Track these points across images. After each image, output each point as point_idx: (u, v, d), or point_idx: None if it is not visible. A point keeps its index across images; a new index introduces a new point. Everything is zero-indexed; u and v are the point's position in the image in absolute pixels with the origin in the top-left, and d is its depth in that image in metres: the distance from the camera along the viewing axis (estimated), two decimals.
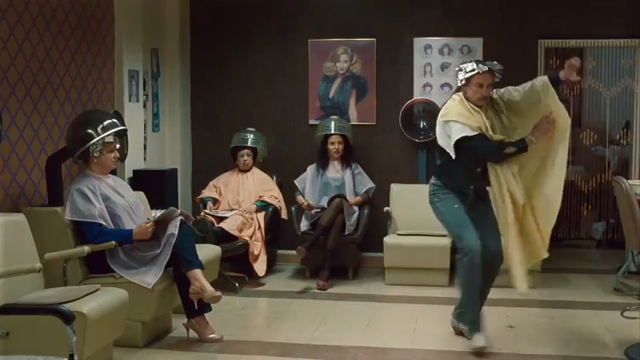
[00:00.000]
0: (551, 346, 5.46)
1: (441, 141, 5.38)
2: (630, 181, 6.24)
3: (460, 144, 5.20)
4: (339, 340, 5.60)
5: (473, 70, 5.27)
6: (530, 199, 5.27)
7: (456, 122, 5.24)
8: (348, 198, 7.67)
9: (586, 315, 5.95)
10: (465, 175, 5.40)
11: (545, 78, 5.22)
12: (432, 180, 5.55)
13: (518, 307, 5.70)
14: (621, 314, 5.81)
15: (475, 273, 5.27)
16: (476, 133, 5.18)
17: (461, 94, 5.37)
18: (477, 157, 5.31)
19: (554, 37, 8.13)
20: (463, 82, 5.32)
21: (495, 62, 5.38)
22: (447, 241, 7.37)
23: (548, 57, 8.54)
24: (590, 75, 8.91)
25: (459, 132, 5.20)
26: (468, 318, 5.43)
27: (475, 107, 5.27)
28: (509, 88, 5.36)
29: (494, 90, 5.38)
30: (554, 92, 5.14)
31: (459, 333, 5.56)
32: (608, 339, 5.64)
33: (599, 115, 9.46)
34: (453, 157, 5.25)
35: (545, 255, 5.31)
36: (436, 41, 8.18)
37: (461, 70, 5.36)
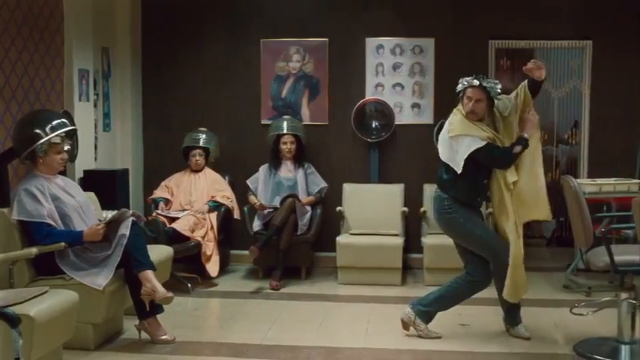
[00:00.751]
0: (503, 343, 5.52)
1: (445, 156, 5.48)
2: (579, 180, 6.33)
3: (473, 156, 5.31)
4: (292, 340, 5.60)
5: (465, 83, 5.46)
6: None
7: (465, 136, 5.35)
8: (300, 198, 7.67)
9: (536, 312, 6.02)
10: (473, 188, 5.50)
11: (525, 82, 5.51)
12: (440, 194, 5.59)
13: (470, 305, 5.75)
14: (570, 311, 5.88)
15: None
16: (485, 142, 5.31)
17: (457, 110, 5.51)
18: (484, 168, 5.42)
19: (504, 38, 8.21)
20: (460, 94, 5.48)
21: (494, 81, 5.50)
22: (399, 241, 7.43)
23: (498, 57, 8.64)
24: None
25: (471, 145, 5.32)
26: (429, 317, 5.59)
27: (475, 122, 5.41)
28: (503, 96, 5.55)
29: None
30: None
31: (407, 327, 5.64)
32: (557, 335, 5.73)
33: (548, 115, 9.58)
34: (459, 172, 5.36)
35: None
36: (388, 41, 8.22)
37: (460, 82, 5.53)
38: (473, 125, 5.38)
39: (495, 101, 5.48)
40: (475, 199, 5.53)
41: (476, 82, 5.41)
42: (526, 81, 5.52)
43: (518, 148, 5.34)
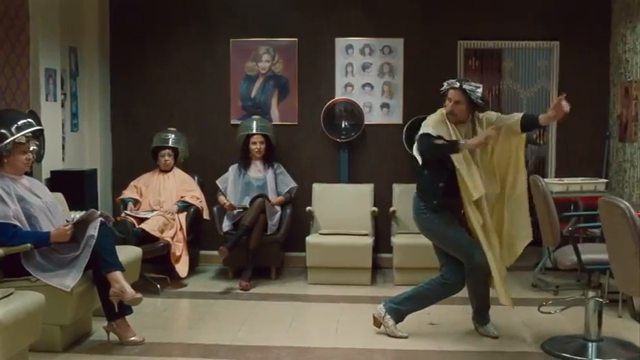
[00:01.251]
0: (471, 342, 5.55)
1: (414, 150, 5.54)
2: (546, 180, 6.39)
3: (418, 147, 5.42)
4: (262, 340, 5.59)
5: (448, 84, 5.49)
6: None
7: (428, 127, 5.39)
8: (270, 198, 7.66)
9: (505, 311, 6.06)
10: (429, 189, 5.51)
11: (519, 121, 5.49)
12: (416, 194, 5.63)
13: (439, 304, 5.77)
14: (538, 309, 5.93)
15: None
16: (436, 134, 5.33)
17: (443, 108, 5.53)
18: (441, 170, 5.41)
19: (473, 39, 8.26)
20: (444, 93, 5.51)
21: (476, 85, 5.50)
22: (369, 240, 7.44)
23: (467, 58, 8.69)
24: (507, 76, 9.08)
25: (423, 129, 5.39)
26: (399, 316, 5.61)
27: (455, 125, 5.43)
28: (491, 112, 5.63)
29: (480, 114, 5.57)
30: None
31: (378, 324, 5.66)
32: (526, 334, 5.77)
33: None
34: (420, 162, 5.41)
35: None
36: (357, 41, 8.23)
37: (445, 83, 5.56)
38: (445, 125, 5.40)
39: (477, 106, 5.50)
40: (431, 200, 5.51)
41: (456, 84, 5.43)
42: (521, 115, 5.52)
43: (440, 141, 5.32)
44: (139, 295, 5.29)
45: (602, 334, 5.25)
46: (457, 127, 5.45)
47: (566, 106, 5.22)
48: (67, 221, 5.39)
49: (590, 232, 7.10)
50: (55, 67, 7.17)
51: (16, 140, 5.20)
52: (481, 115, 5.57)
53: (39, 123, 5.70)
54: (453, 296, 5.68)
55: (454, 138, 5.36)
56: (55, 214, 5.42)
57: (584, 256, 5.13)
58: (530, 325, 5.94)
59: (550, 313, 5.87)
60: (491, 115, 5.62)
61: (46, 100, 6.99)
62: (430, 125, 5.40)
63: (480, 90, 5.48)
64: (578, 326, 5.48)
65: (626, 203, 3.99)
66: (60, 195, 6.02)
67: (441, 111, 5.51)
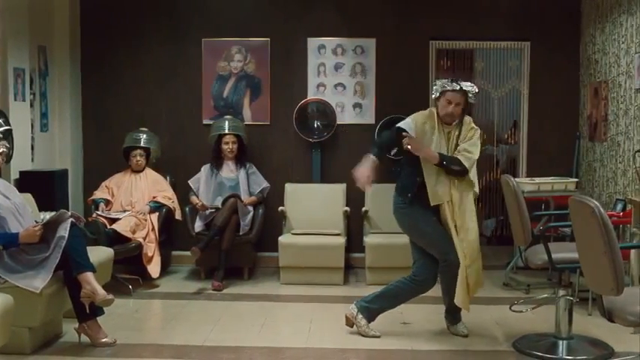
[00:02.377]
0: (444, 341, 5.57)
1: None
2: (517, 179, 6.42)
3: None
4: (234, 340, 5.57)
5: (445, 86, 5.45)
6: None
7: (406, 121, 5.49)
8: (242, 198, 7.64)
9: (477, 309, 6.08)
10: (406, 184, 5.54)
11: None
12: (395, 191, 5.66)
13: (411, 303, 5.78)
14: (510, 308, 5.96)
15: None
16: (408, 130, 5.39)
17: (434, 108, 5.54)
18: (417, 166, 5.42)
19: (444, 39, 8.30)
20: (437, 95, 5.48)
21: (471, 85, 5.51)
22: (341, 240, 7.44)
23: (439, 58, 8.72)
24: (479, 76, 9.12)
25: (399, 124, 5.47)
26: (371, 315, 5.62)
27: (441, 124, 5.45)
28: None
29: (468, 119, 5.56)
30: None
31: (350, 324, 5.68)
32: (498, 332, 5.80)
33: (488, 115, 9.71)
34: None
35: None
36: (330, 41, 8.24)
37: (436, 84, 5.54)
38: (432, 122, 5.44)
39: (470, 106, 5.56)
40: (407, 194, 5.51)
41: (457, 86, 5.43)
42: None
43: (384, 137, 5.55)
44: (110, 297, 5.25)
45: (573, 332, 5.31)
46: (445, 129, 5.47)
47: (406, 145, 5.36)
48: (37, 222, 5.34)
49: (561, 231, 7.15)
50: (23, 67, 7.09)
51: None
52: (469, 119, 5.61)
53: (7, 123, 5.63)
54: (424, 295, 5.70)
55: (440, 139, 5.40)
56: (24, 214, 5.37)
57: (554, 255, 5.16)
58: (502, 324, 5.98)
59: (521, 311, 5.91)
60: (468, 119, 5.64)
61: (15, 99, 6.90)
62: (410, 119, 5.47)
63: (475, 89, 5.52)
64: (549, 324, 5.53)
65: (596, 202, 4.02)
66: (29, 196, 5.97)
67: (432, 110, 5.54)
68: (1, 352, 4.79)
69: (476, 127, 5.57)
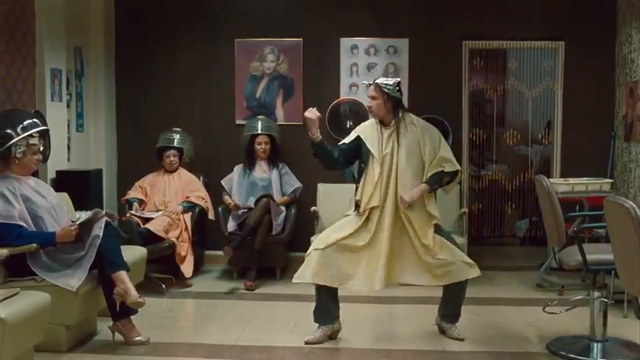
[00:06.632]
0: (477, 342, 5.54)
1: None
2: (551, 180, 6.37)
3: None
4: (266, 340, 5.59)
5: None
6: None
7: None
8: (275, 198, 7.66)
9: (510, 311, 6.05)
10: (359, 190, 5.59)
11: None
12: None
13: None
14: (543, 310, 5.93)
15: None
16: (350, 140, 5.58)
17: None
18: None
19: (477, 39, 8.26)
20: None
21: (393, 79, 5.59)
22: None
23: (472, 58, 8.68)
24: (512, 76, 9.07)
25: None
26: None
27: (380, 127, 5.54)
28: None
29: (410, 115, 5.62)
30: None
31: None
32: (530, 334, 5.76)
33: (521, 115, 9.64)
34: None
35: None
36: (362, 41, 8.24)
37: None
38: (372, 128, 5.55)
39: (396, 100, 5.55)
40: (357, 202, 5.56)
41: (371, 82, 5.55)
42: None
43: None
44: (141, 300, 5.28)
45: (608, 335, 5.25)
46: (385, 130, 5.51)
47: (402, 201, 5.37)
48: (73, 221, 5.39)
49: (595, 233, 7.07)
50: (60, 68, 7.18)
51: (29, 141, 5.21)
52: (415, 118, 5.62)
53: (44, 123, 5.69)
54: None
55: (381, 140, 5.48)
56: (60, 214, 5.43)
57: (589, 257, 5.12)
58: (535, 326, 5.93)
59: (555, 313, 5.87)
60: (420, 122, 5.63)
61: (52, 100, 7.00)
62: (353, 131, 5.66)
63: (391, 82, 5.53)
64: (583, 326, 5.47)
65: (632, 203, 3.99)
66: (65, 195, 6.03)
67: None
68: (38, 349, 4.87)
69: (425, 124, 5.61)
